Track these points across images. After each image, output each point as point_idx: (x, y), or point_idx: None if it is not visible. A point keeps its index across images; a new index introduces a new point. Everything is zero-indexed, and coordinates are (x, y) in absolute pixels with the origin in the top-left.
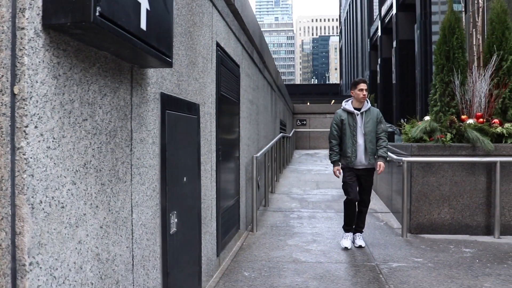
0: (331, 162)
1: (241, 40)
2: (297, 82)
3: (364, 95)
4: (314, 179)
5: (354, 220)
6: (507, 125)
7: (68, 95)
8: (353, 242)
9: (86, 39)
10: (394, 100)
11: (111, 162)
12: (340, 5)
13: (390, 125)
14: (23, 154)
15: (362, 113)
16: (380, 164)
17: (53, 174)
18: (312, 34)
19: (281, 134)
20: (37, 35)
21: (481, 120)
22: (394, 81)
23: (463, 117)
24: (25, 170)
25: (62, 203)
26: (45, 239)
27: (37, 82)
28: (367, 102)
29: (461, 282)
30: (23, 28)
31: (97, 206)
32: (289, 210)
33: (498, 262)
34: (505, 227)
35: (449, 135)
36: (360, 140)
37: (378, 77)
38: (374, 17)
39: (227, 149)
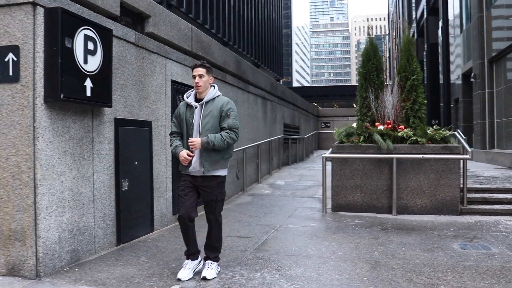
0: (173, 150)
1: None
2: (353, 82)
3: (197, 83)
4: (303, 173)
5: (191, 242)
6: (406, 130)
7: (56, 124)
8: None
9: (62, 103)
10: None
11: (79, 151)
12: (388, 6)
13: None
14: (37, 147)
15: (202, 105)
16: (197, 139)
17: (48, 154)
18: (368, 34)
19: (280, 136)
20: (41, 104)
21: (389, 126)
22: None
23: (376, 124)
24: (38, 152)
25: (53, 165)
26: (45, 177)
27: (42, 121)
28: (213, 88)
29: (320, 236)
30: (35, 103)
31: (71, 169)
32: (258, 194)
33: (365, 227)
34: (403, 208)
35: (361, 138)
36: None
37: None
38: (412, 19)
39: None
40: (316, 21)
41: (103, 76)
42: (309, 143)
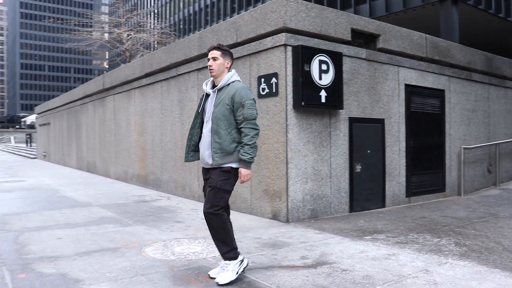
0: None
1: (445, 73)
2: None
3: (210, 66)
4: None
5: (231, 237)
6: None
7: (301, 122)
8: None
9: (304, 108)
10: None
11: (319, 141)
12: None
13: None
14: (288, 138)
15: (215, 92)
16: (240, 171)
17: (296, 142)
18: None
19: None
20: (291, 109)
21: None
22: None
23: None
24: (289, 141)
25: (299, 150)
26: (293, 157)
27: (291, 120)
28: (230, 73)
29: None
30: (287, 109)
31: (313, 153)
32: (510, 189)
33: None
34: None
35: None
36: (205, 129)
37: None
38: None
39: (425, 141)
40: None
41: (335, 88)
42: None
